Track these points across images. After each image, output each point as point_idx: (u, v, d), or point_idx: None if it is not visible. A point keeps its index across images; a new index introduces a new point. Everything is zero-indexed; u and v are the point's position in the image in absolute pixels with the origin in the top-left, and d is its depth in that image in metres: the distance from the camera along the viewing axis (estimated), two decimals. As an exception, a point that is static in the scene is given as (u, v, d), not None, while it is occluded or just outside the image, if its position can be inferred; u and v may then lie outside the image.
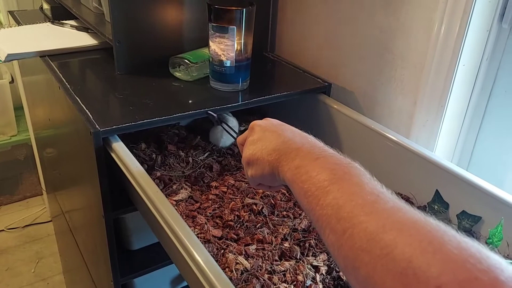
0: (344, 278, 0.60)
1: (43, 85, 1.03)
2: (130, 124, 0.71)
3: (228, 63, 0.83)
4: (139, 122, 0.72)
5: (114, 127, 0.70)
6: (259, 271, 0.60)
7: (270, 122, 0.56)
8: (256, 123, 0.56)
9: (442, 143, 0.78)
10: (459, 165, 0.70)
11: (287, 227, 0.69)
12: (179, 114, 0.76)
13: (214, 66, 0.84)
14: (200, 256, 0.50)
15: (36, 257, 2.06)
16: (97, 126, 0.69)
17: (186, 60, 0.88)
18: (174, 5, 0.92)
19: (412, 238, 0.31)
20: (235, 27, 0.79)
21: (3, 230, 2.20)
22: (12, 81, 2.16)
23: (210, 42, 0.82)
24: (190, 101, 0.82)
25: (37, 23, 1.14)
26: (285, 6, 1.05)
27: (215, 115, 0.76)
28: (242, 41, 0.82)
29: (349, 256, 0.34)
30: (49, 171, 1.35)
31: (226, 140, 0.89)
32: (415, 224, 0.33)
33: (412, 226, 0.32)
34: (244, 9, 0.79)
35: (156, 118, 0.74)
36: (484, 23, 0.69)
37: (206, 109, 0.78)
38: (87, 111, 0.74)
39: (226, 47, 0.81)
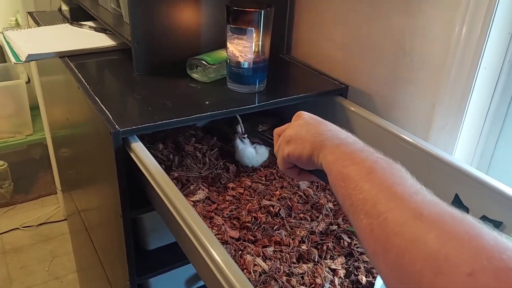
0: (363, 281, 0.60)
1: (62, 85, 1.04)
2: (149, 124, 0.72)
3: (245, 65, 0.83)
4: (158, 122, 0.72)
5: (134, 127, 0.71)
6: (277, 273, 0.60)
7: (315, 116, 0.59)
8: (303, 112, 0.59)
9: (461, 147, 0.78)
10: (478, 169, 0.69)
11: (304, 229, 0.68)
12: (197, 115, 0.76)
13: (231, 67, 0.85)
14: (219, 255, 0.50)
15: (50, 256, 2.09)
16: (116, 126, 0.70)
17: (203, 62, 0.89)
18: (192, 7, 0.93)
19: (448, 227, 0.32)
20: (253, 29, 0.79)
21: (17, 228, 2.23)
22: (29, 81, 2.19)
23: (228, 43, 0.83)
24: (207, 102, 0.82)
25: (56, 24, 1.15)
26: (301, 8, 1.05)
27: (243, 134, 0.76)
28: (260, 42, 0.82)
29: (381, 239, 0.35)
30: (66, 170, 1.36)
31: (259, 157, 0.87)
32: (452, 217, 0.33)
33: (449, 218, 0.33)
34: (263, 11, 0.79)
35: (175, 119, 0.74)
36: (506, 25, 0.68)
37: (225, 110, 0.78)
38: (106, 111, 0.74)
39: (244, 48, 0.81)
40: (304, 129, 0.55)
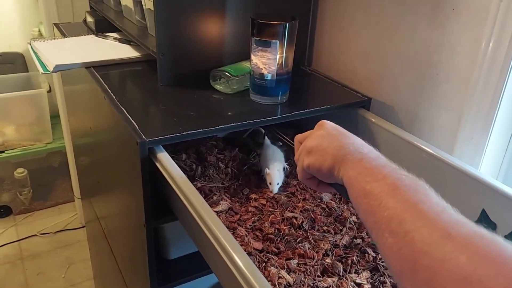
0: (389, 296, 0.59)
1: (86, 95, 1.06)
2: (175, 135, 0.73)
3: (269, 77, 0.84)
4: (183, 133, 0.73)
5: (160, 137, 0.71)
6: (302, 286, 0.59)
7: (338, 126, 0.58)
8: (326, 121, 0.58)
9: (487, 161, 0.77)
10: (504, 183, 0.68)
11: (328, 242, 0.68)
12: (221, 126, 0.77)
13: (255, 79, 0.85)
14: (245, 266, 0.50)
15: (66, 263, 2.11)
16: (143, 136, 0.71)
17: (226, 73, 0.89)
18: (216, 20, 0.94)
19: (480, 248, 0.31)
20: (277, 41, 0.80)
21: (35, 235, 2.25)
22: (50, 90, 2.24)
23: (252, 55, 0.83)
24: (230, 113, 0.83)
25: (82, 35, 1.18)
26: (324, 20, 1.05)
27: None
28: (284, 55, 0.82)
29: (408, 259, 0.34)
30: (86, 178, 1.38)
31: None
32: (482, 238, 0.32)
33: (479, 238, 0.32)
34: (287, 24, 0.80)
35: (199, 130, 0.75)
36: (534, 40, 0.68)
37: (248, 121, 0.79)
38: (133, 121, 0.76)
39: (268, 60, 0.82)
40: (326, 140, 0.54)
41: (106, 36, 1.16)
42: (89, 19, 1.25)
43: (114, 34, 1.16)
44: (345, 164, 0.49)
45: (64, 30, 1.24)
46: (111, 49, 1.08)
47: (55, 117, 2.26)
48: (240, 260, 0.51)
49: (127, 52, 1.06)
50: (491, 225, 0.67)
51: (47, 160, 2.43)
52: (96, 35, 1.17)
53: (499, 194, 0.66)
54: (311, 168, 0.54)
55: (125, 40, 1.12)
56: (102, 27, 1.19)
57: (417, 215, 0.36)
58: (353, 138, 0.54)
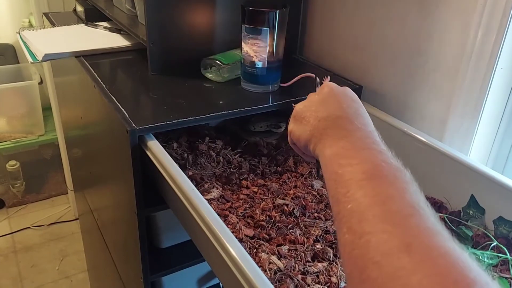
0: None
1: (77, 85, 1.05)
2: (165, 123, 0.72)
3: (260, 65, 0.84)
4: (174, 121, 0.73)
5: (150, 125, 0.71)
6: (293, 271, 0.60)
7: (345, 91, 0.51)
8: (331, 84, 0.52)
9: (476, 148, 0.77)
10: (494, 170, 0.68)
11: (318, 228, 0.69)
12: (212, 114, 0.77)
13: (246, 67, 0.85)
14: (236, 252, 0.50)
15: (60, 255, 2.10)
16: (133, 125, 0.70)
17: (217, 61, 0.89)
18: (206, 8, 0.93)
19: (438, 269, 0.26)
20: (268, 29, 0.80)
21: (29, 227, 2.25)
22: (41, 82, 2.22)
23: (242, 43, 0.83)
24: (222, 102, 0.83)
25: (71, 24, 1.17)
26: (315, 9, 1.05)
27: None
28: (275, 42, 0.82)
29: (358, 265, 0.30)
30: (78, 169, 1.37)
31: None
32: (446, 255, 0.28)
33: (443, 255, 0.28)
34: (278, 11, 0.79)
35: (190, 118, 0.75)
36: (523, 27, 0.68)
37: (239, 109, 0.79)
38: (123, 109, 0.75)
39: (259, 48, 0.82)
40: (313, 107, 0.48)
41: (96, 25, 1.15)
42: (79, 8, 1.24)
43: (104, 23, 1.15)
44: (323, 140, 0.44)
45: (54, 19, 1.23)
46: (101, 38, 1.07)
47: (47, 109, 2.25)
48: (231, 246, 0.51)
49: (117, 41, 1.05)
50: (480, 210, 0.68)
51: (40, 152, 2.42)
52: (86, 24, 1.16)
53: (488, 179, 0.67)
54: (292, 136, 0.51)
55: (115, 29, 1.11)
56: (92, 16, 1.18)
57: (381, 215, 0.32)
58: (347, 109, 0.46)
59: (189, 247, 0.90)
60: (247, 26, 0.81)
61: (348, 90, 0.52)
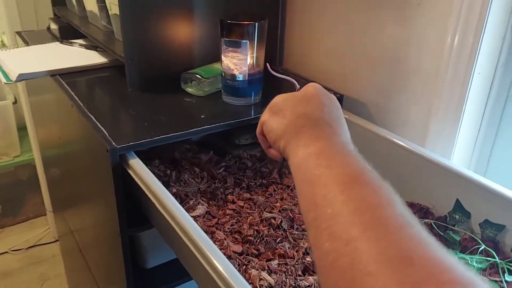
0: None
1: (53, 104, 1.02)
2: (147, 140, 0.71)
3: (240, 77, 0.83)
4: (155, 138, 0.72)
5: (131, 143, 0.70)
6: (284, 286, 0.59)
7: (330, 96, 0.48)
8: (317, 85, 0.49)
9: (458, 152, 0.78)
10: (476, 173, 0.69)
11: (307, 241, 0.68)
12: (195, 129, 0.76)
13: (226, 80, 0.84)
14: (225, 270, 0.49)
15: (41, 279, 2.03)
16: (113, 143, 0.69)
17: (198, 76, 0.88)
18: (184, 22, 0.92)
19: (444, 285, 0.24)
20: (247, 41, 0.80)
21: (6, 252, 2.17)
22: (16, 101, 2.16)
23: (222, 57, 0.82)
24: (204, 116, 0.82)
25: (46, 43, 1.14)
26: (293, 20, 1.06)
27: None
28: (255, 55, 0.82)
29: (347, 276, 0.27)
30: (57, 190, 1.34)
31: None
32: (451, 270, 0.25)
33: (448, 271, 0.25)
34: (256, 24, 0.79)
35: (172, 134, 0.73)
36: (498, 30, 0.69)
37: (221, 123, 0.78)
38: (102, 128, 0.73)
39: (239, 61, 0.81)
40: (294, 102, 0.46)
41: (71, 43, 1.12)
42: (53, 26, 1.21)
43: (80, 41, 1.13)
44: (298, 138, 0.41)
45: (27, 38, 1.21)
46: (77, 56, 1.05)
47: (22, 129, 2.19)
48: (220, 264, 0.50)
49: (94, 58, 1.03)
50: (466, 214, 0.68)
51: (16, 173, 2.35)
52: (61, 42, 1.14)
53: (472, 183, 0.67)
54: (264, 127, 0.48)
55: (91, 46, 1.09)
56: (67, 33, 1.16)
57: (371, 222, 0.29)
58: (328, 113, 0.44)
59: (174, 266, 0.88)
60: (226, 39, 0.80)
61: (333, 97, 0.50)
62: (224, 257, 0.51)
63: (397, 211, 0.30)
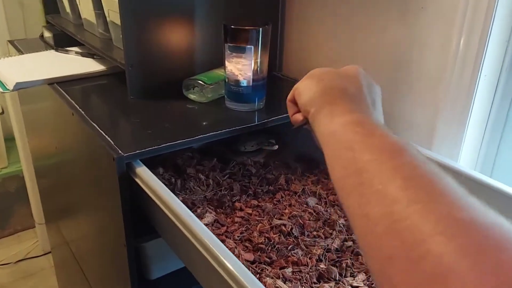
0: (388, 296, 0.58)
1: (50, 113, 1.00)
2: (153, 148, 0.69)
3: (244, 83, 0.82)
4: (162, 145, 0.70)
5: (138, 151, 0.68)
6: (300, 294, 0.58)
7: (371, 81, 0.48)
8: (360, 68, 0.49)
9: (465, 154, 0.78)
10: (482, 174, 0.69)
11: (320, 247, 0.67)
12: (200, 135, 0.74)
13: (230, 86, 0.84)
14: (244, 277, 0.48)
15: (31, 293, 1.98)
16: (120, 152, 0.67)
17: (200, 82, 0.87)
18: (185, 28, 0.92)
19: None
20: (252, 47, 0.79)
21: (-5, 266, 2.11)
22: (3, 112, 2.12)
23: (226, 62, 0.82)
24: (208, 122, 0.81)
25: (40, 51, 1.12)
26: (292, 24, 1.05)
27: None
28: (259, 60, 0.81)
29: (407, 240, 0.25)
30: (51, 200, 1.30)
31: None
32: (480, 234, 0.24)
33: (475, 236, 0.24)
34: (261, 29, 0.79)
35: (178, 141, 0.72)
36: (504, 33, 0.70)
37: (227, 129, 0.77)
38: (106, 136, 0.72)
39: (243, 67, 0.80)
40: (332, 75, 0.45)
41: (67, 50, 1.10)
42: (47, 34, 1.19)
43: (76, 48, 1.11)
44: (331, 106, 0.40)
45: (20, 46, 1.18)
46: (73, 63, 1.03)
47: (9, 140, 2.14)
48: (237, 271, 0.49)
49: (91, 66, 1.02)
50: (477, 217, 0.68)
51: (3, 185, 2.30)
52: (56, 50, 1.12)
53: (480, 184, 0.67)
54: (296, 90, 0.47)
55: (88, 54, 1.07)
56: (62, 41, 1.14)
57: (430, 187, 0.28)
58: (369, 97, 0.43)
59: (178, 276, 0.86)
60: (231, 45, 0.79)
61: (376, 85, 0.49)
62: (241, 263, 0.50)
63: (452, 182, 0.30)
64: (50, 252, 2.18)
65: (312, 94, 0.44)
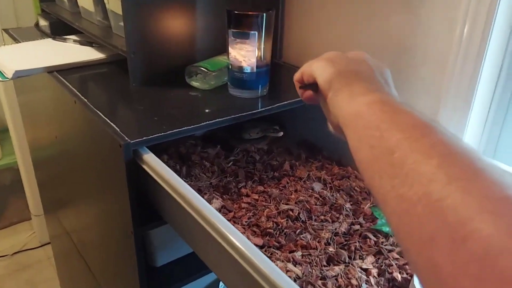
0: (398, 278, 0.59)
1: (50, 102, 0.99)
2: (160, 134, 0.69)
3: (248, 69, 0.82)
4: (168, 132, 0.70)
5: (145, 138, 0.68)
6: (311, 277, 0.58)
7: (380, 65, 0.47)
8: (367, 54, 0.48)
9: (468, 139, 0.79)
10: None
11: (328, 231, 0.67)
12: (206, 122, 0.74)
13: (234, 73, 0.83)
14: (258, 259, 0.48)
15: (28, 285, 1.97)
16: (126, 139, 0.67)
17: (203, 69, 0.87)
18: (186, 14, 0.91)
19: None
20: (256, 32, 0.79)
21: (-9, 258, 2.10)
22: (-4, 103, 2.09)
23: (230, 48, 0.81)
24: (211, 110, 0.80)
25: (37, 39, 1.10)
26: (293, 12, 1.05)
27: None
28: (262, 46, 0.81)
29: (449, 221, 0.24)
30: (51, 191, 1.29)
31: None
32: None
33: None
34: (265, 14, 0.78)
35: (185, 128, 0.72)
36: (508, 19, 0.70)
37: (232, 116, 0.77)
38: (112, 124, 0.71)
39: (247, 53, 0.80)
40: (344, 59, 0.44)
41: (64, 39, 1.09)
42: (43, 22, 1.17)
43: (73, 37, 1.10)
44: (349, 88, 0.39)
45: (16, 35, 1.16)
46: (72, 52, 1.02)
47: (3, 131, 2.12)
48: (252, 254, 0.49)
49: (91, 54, 1.00)
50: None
51: (-3, 178, 2.28)
52: (54, 38, 1.10)
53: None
54: (305, 68, 0.47)
55: (87, 42, 1.06)
56: (58, 30, 1.13)
57: (467, 162, 0.27)
58: (380, 77, 0.42)
59: (183, 263, 0.86)
60: (234, 30, 0.79)
61: (387, 69, 0.48)
62: (252, 244, 0.50)
63: (487, 159, 0.28)
64: (47, 244, 2.17)
65: (329, 76, 0.43)
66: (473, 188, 0.25)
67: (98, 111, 0.75)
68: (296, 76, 0.52)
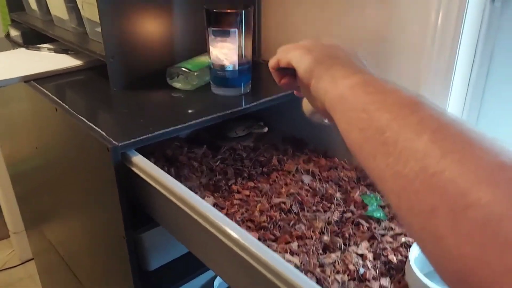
0: (394, 260, 0.60)
1: (28, 112, 0.97)
2: (148, 136, 0.69)
3: (230, 67, 0.82)
4: (156, 133, 0.70)
5: (132, 140, 0.67)
6: (309, 266, 0.59)
7: (353, 50, 0.48)
8: (339, 43, 0.49)
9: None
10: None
11: (321, 221, 0.68)
12: (194, 121, 0.74)
13: (216, 71, 0.83)
14: (261, 252, 0.48)
15: (12, 304, 1.92)
16: (114, 142, 0.66)
17: (184, 69, 0.87)
18: (164, 16, 0.90)
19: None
20: (236, 30, 0.79)
21: (-30, 280, 2.03)
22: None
23: (210, 47, 0.81)
24: (196, 109, 0.80)
25: (10, 49, 1.08)
26: (269, 10, 1.06)
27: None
28: (243, 43, 0.81)
29: (449, 192, 0.25)
30: (32, 205, 1.26)
31: None
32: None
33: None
34: (244, 11, 0.79)
35: (171, 128, 0.71)
36: (479, 5, 0.73)
37: (219, 114, 0.77)
38: (97, 128, 0.70)
39: (229, 51, 0.80)
40: (319, 46, 0.45)
41: (38, 48, 1.07)
42: (14, 32, 1.15)
43: (47, 45, 1.08)
44: (330, 72, 0.40)
45: (-14, 47, 1.13)
46: (48, 60, 1.00)
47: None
48: (254, 247, 0.49)
49: (67, 61, 0.99)
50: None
51: (-29, 197, 2.20)
52: (27, 47, 1.08)
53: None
54: (282, 54, 0.47)
55: (61, 50, 1.04)
56: (31, 39, 1.10)
57: (457, 136, 0.27)
58: (357, 61, 0.43)
59: (176, 266, 0.86)
60: (214, 29, 0.79)
61: (358, 55, 0.48)
62: (251, 236, 0.51)
63: (477, 129, 0.29)
64: (28, 261, 2.11)
65: (308, 64, 0.44)
66: (467, 159, 0.25)
67: (81, 117, 0.74)
68: (272, 62, 0.52)
